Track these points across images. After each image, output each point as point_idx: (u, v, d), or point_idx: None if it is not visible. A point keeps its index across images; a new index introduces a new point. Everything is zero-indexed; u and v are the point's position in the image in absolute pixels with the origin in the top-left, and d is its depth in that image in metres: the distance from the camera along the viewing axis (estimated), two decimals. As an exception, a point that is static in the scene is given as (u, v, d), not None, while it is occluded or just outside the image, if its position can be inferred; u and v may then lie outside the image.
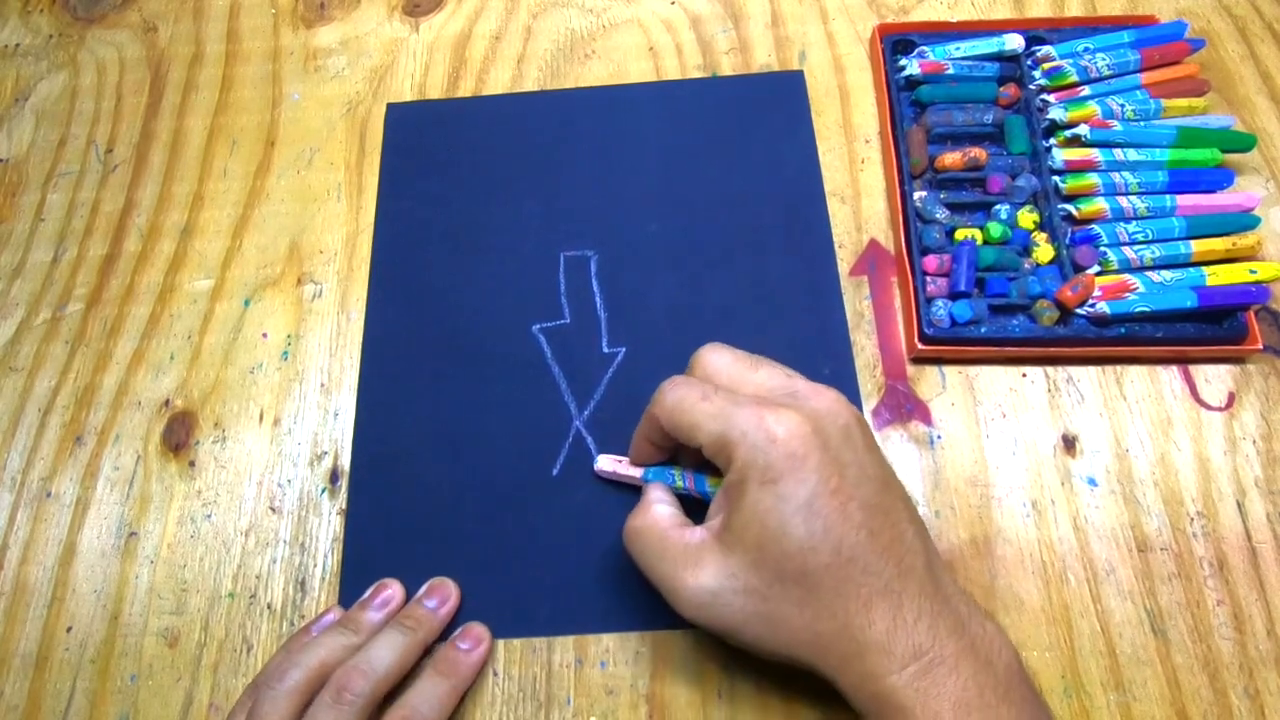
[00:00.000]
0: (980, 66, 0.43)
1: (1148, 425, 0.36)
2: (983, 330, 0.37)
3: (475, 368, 0.39)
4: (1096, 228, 0.38)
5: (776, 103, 0.45)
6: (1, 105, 0.49)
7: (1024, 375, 0.38)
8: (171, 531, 0.37)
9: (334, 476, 0.38)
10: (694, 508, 0.32)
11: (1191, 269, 0.37)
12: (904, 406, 0.38)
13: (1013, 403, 0.37)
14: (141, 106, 0.48)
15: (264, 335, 0.41)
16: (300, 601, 0.35)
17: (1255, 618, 0.33)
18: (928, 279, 0.38)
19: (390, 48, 0.49)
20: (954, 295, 0.38)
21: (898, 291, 0.40)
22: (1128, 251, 0.37)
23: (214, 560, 0.36)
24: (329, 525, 0.37)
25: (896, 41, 0.44)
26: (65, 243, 0.44)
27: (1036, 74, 0.42)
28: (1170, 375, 0.37)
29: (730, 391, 0.29)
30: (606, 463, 0.36)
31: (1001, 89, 0.42)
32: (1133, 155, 0.39)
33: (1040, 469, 0.36)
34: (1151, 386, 0.37)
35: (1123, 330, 0.37)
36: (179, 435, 0.39)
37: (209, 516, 0.37)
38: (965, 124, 0.41)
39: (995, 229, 0.39)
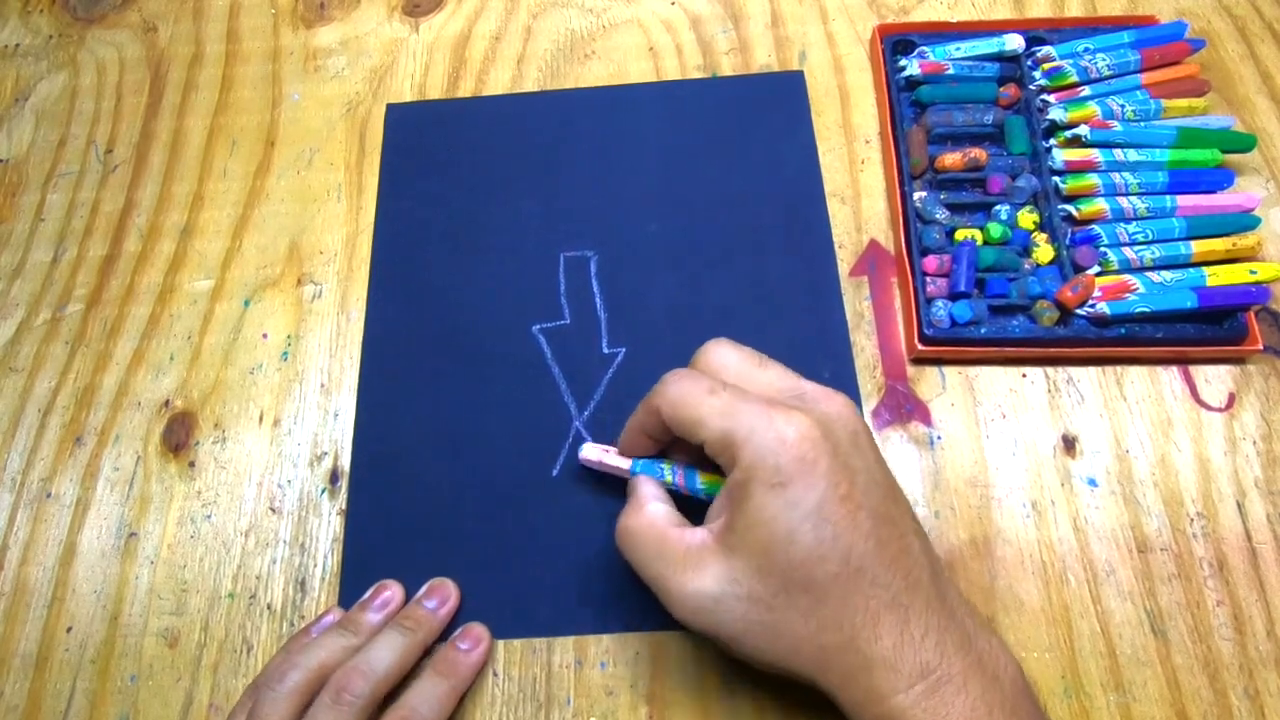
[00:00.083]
0: (980, 67, 0.43)
1: (1148, 426, 0.36)
2: (983, 331, 0.37)
3: (475, 368, 0.39)
4: (1096, 228, 0.38)
5: (776, 103, 0.45)
6: (1, 105, 0.49)
7: (1024, 376, 0.38)
8: (171, 532, 0.37)
9: (334, 477, 0.38)
10: (684, 505, 0.31)
11: (1191, 269, 0.37)
12: (904, 407, 0.38)
13: (1013, 403, 0.37)
14: (141, 106, 0.48)
15: (264, 336, 0.41)
16: (300, 602, 0.35)
17: (1255, 618, 0.33)
18: (928, 279, 0.38)
19: (390, 48, 0.49)
20: (954, 296, 0.38)
21: (898, 292, 0.40)
22: (1128, 252, 0.37)
23: (214, 561, 0.36)
24: (329, 525, 0.37)
25: (896, 42, 0.44)
26: (65, 243, 0.44)
27: (1037, 74, 0.42)
28: (1170, 376, 0.37)
29: (737, 388, 0.28)
30: (593, 451, 0.35)
31: (1001, 89, 0.42)
32: (1133, 156, 0.39)
33: (1040, 470, 0.36)
34: (1151, 387, 0.37)
35: (1123, 331, 0.37)
36: (179, 436, 0.39)
37: (209, 517, 0.37)
38: (965, 124, 0.41)
39: (995, 229, 0.39)
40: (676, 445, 0.32)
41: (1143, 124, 0.40)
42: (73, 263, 0.44)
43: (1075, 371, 0.38)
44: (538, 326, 0.40)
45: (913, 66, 0.43)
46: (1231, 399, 0.37)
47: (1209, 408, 0.37)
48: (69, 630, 0.36)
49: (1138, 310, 0.36)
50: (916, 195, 0.40)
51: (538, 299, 0.41)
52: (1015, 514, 0.35)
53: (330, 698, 0.29)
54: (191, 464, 0.38)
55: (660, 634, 0.34)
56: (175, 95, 0.48)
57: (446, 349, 0.40)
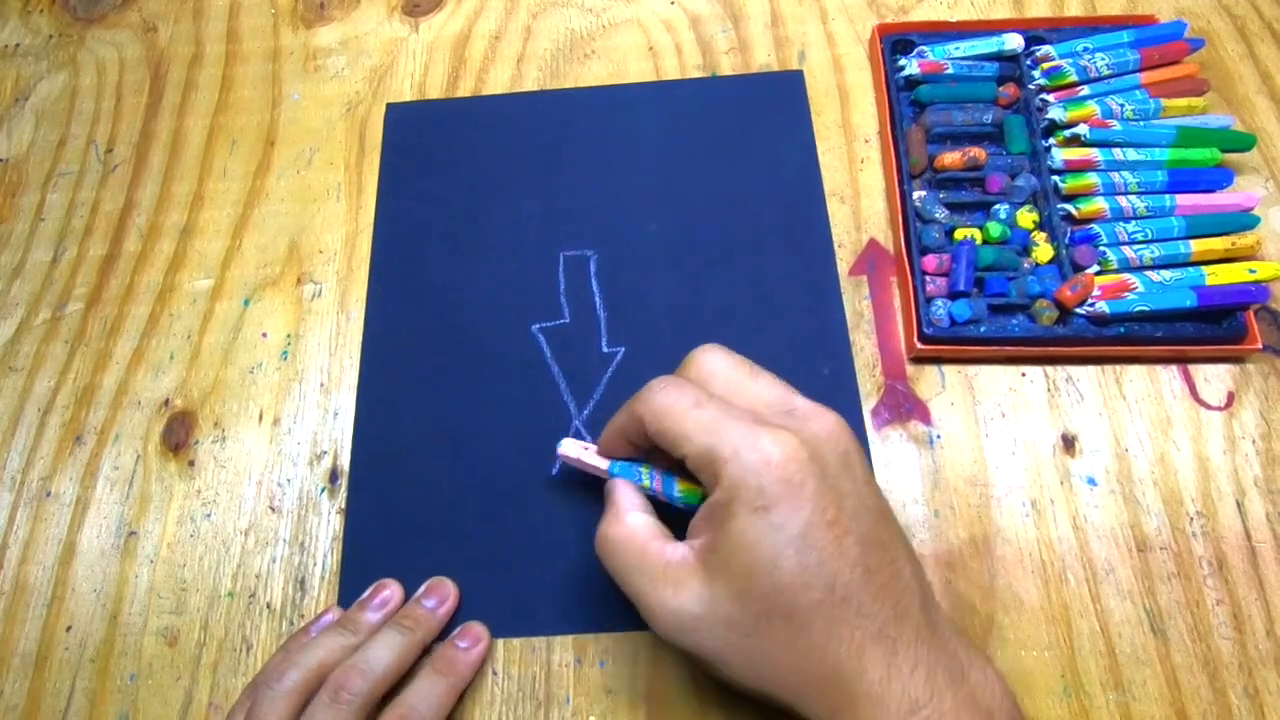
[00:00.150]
0: (980, 66, 0.43)
1: (1147, 425, 0.36)
2: (982, 330, 0.37)
3: (475, 367, 0.39)
4: (1096, 227, 0.38)
5: (776, 103, 0.45)
6: (1, 105, 0.49)
7: (1023, 375, 0.38)
8: (171, 531, 0.37)
9: (333, 476, 0.38)
10: (663, 509, 0.31)
11: (1191, 268, 0.37)
12: (903, 406, 0.38)
13: (1012, 402, 0.37)
14: (141, 106, 0.48)
15: (264, 335, 0.41)
16: (300, 601, 0.35)
17: (1255, 617, 0.33)
18: (927, 278, 0.38)
19: (390, 48, 0.49)
20: (953, 295, 0.38)
21: (897, 291, 0.40)
22: (1127, 251, 0.37)
23: (214, 560, 0.36)
24: (328, 524, 0.37)
25: (896, 41, 0.44)
26: (65, 242, 0.44)
27: (1036, 74, 0.42)
28: (1170, 375, 0.37)
29: (724, 401, 0.27)
30: (571, 448, 0.33)
31: (1001, 89, 0.42)
32: (1132, 155, 0.39)
33: (1040, 468, 0.36)
34: (1151, 386, 0.37)
35: (1122, 330, 0.37)
36: (179, 435, 0.39)
37: (209, 516, 0.37)
38: (965, 124, 0.41)
39: (994, 229, 0.39)
40: (657, 449, 0.31)
41: (1142, 123, 0.40)
42: (73, 262, 0.44)
43: (1074, 370, 0.38)
44: (537, 326, 0.40)
45: (912, 66, 0.43)
46: (1231, 398, 0.37)
47: (1208, 407, 0.37)
48: (68, 629, 0.36)
49: (1137, 309, 0.36)
50: (916, 194, 0.40)
51: (537, 298, 0.41)
52: (1015, 513, 0.35)
53: (329, 696, 0.29)
54: (191, 463, 0.38)
55: (659, 633, 0.34)
56: (175, 95, 0.48)
57: (446, 348, 0.40)
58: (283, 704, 0.30)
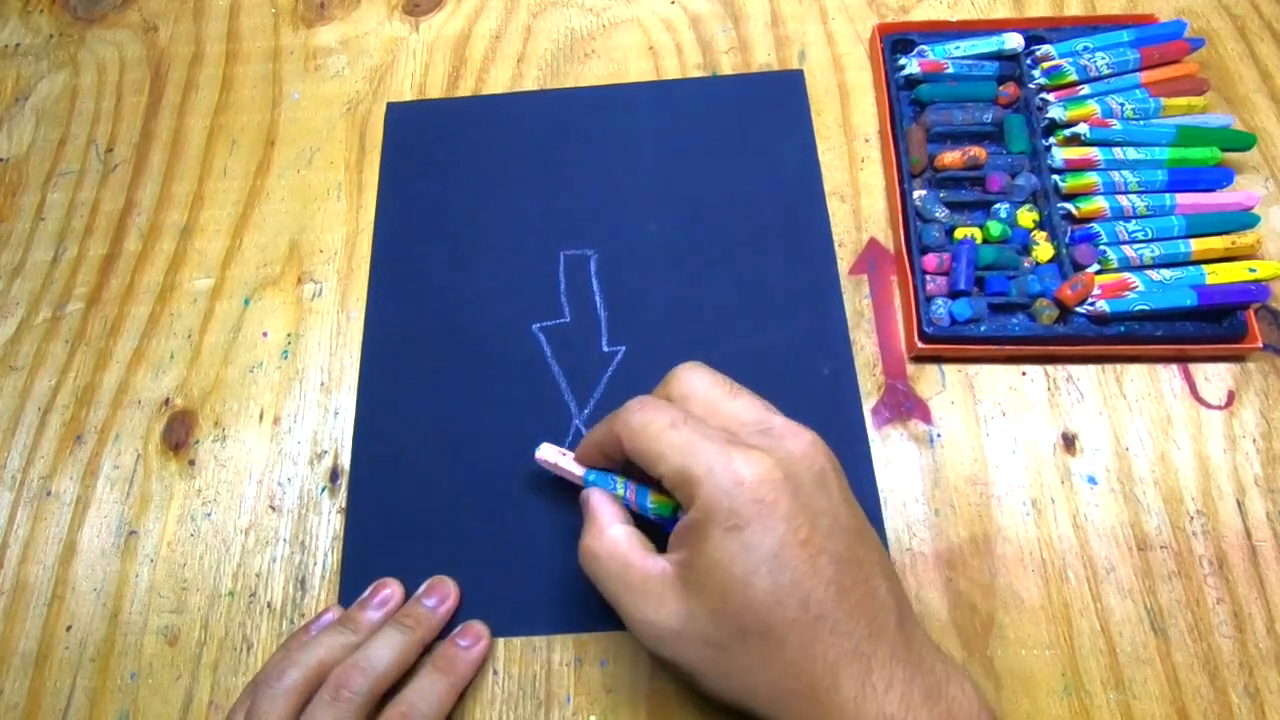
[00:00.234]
0: (980, 65, 0.43)
1: (1147, 424, 0.36)
2: (982, 329, 0.37)
3: (475, 366, 0.39)
4: (1096, 226, 0.38)
5: (776, 102, 0.45)
6: (1, 105, 0.49)
7: (1024, 374, 0.38)
8: (171, 530, 0.37)
9: (334, 475, 0.38)
10: (641, 518, 0.31)
11: (1191, 267, 0.37)
12: (903, 405, 0.38)
13: (1012, 401, 0.37)
14: (141, 106, 0.48)
15: (264, 334, 0.41)
16: (300, 600, 0.35)
17: (1255, 616, 0.33)
18: (927, 278, 0.38)
19: (390, 47, 0.49)
20: (954, 294, 0.38)
21: (897, 290, 0.40)
22: (1127, 250, 0.37)
23: (214, 559, 0.36)
24: (329, 524, 0.37)
25: (896, 41, 0.44)
26: (65, 242, 0.44)
27: (1036, 73, 0.42)
28: (1170, 374, 0.37)
29: (700, 422, 0.28)
30: (549, 453, 0.34)
31: (1001, 88, 0.42)
32: (1132, 154, 0.39)
33: (1040, 467, 0.36)
34: (1151, 385, 0.37)
35: (1122, 329, 0.37)
36: (179, 434, 0.39)
37: (209, 515, 0.37)
38: (965, 123, 0.41)
39: (995, 228, 0.39)
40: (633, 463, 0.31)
41: (1142, 122, 0.40)
42: (73, 262, 0.44)
43: (1075, 369, 0.38)
44: (538, 325, 0.40)
45: (912, 65, 0.43)
46: (1231, 397, 0.37)
47: (1209, 405, 0.37)
48: (69, 628, 0.36)
49: (1137, 308, 0.36)
50: (916, 194, 0.40)
51: (538, 297, 0.41)
52: (1015, 512, 0.35)
53: (329, 695, 0.29)
54: (191, 462, 0.38)
55: (660, 632, 0.34)
56: (175, 95, 0.48)
57: (446, 347, 0.40)
58: (283, 702, 0.30)
